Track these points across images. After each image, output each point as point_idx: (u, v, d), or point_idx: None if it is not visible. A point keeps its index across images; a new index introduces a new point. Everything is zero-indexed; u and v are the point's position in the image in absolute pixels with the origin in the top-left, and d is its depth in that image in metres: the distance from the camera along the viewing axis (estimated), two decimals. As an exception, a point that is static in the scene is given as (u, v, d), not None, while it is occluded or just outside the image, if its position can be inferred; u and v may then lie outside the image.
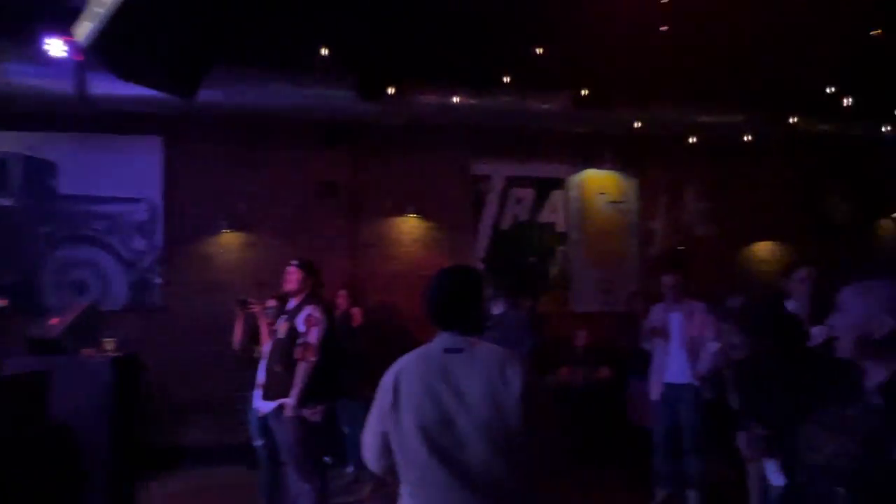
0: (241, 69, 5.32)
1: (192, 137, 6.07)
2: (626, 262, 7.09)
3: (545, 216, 6.93)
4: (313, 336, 3.45)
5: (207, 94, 4.29)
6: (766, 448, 2.00)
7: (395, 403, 1.68)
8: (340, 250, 6.33)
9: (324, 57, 5.02)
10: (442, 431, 1.61)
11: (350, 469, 5.26)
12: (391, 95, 5.61)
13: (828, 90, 5.92)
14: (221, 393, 5.43)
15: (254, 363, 3.92)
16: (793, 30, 4.96)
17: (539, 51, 5.25)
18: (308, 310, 3.52)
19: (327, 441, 4.45)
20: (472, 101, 5.94)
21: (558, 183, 6.99)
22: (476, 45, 5.16)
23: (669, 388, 4.39)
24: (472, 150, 6.76)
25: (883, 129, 6.86)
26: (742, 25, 4.93)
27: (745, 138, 6.64)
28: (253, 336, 4.35)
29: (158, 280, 5.98)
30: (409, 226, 6.64)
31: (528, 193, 6.90)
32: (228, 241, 6.19)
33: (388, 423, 1.68)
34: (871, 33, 5.04)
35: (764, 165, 7.22)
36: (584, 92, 5.93)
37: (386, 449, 1.71)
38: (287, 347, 3.47)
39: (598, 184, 7.11)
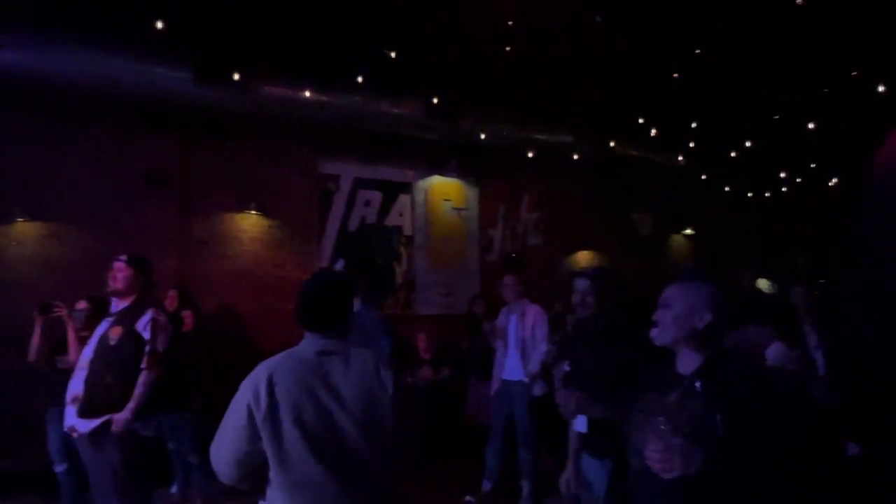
0: (55, 31, 4.56)
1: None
2: (467, 267, 7.41)
3: (392, 219, 6.97)
4: (161, 343, 3.07)
5: (10, 57, 3.61)
6: (580, 406, 2.24)
7: (272, 407, 1.65)
8: (169, 247, 5.71)
9: (159, 30, 4.49)
10: (324, 432, 1.65)
11: (174, 489, 4.76)
12: (235, 82, 5.22)
13: (640, 121, 6.79)
14: (16, 411, 4.60)
15: (62, 375, 3.37)
16: (616, 65, 5.62)
17: (393, 55, 5.28)
18: (150, 314, 3.12)
19: (154, 459, 3.99)
20: (323, 98, 5.76)
21: (406, 187, 7.08)
22: (331, 41, 5.03)
23: (505, 384, 4.71)
24: (321, 148, 6.56)
25: (679, 159, 8.05)
26: (577, 57, 5.46)
27: (574, 157, 7.34)
28: (57, 345, 3.76)
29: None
30: (249, 223, 6.23)
31: (375, 196, 6.88)
32: (23, 232, 5.26)
33: (264, 427, 1.64)
34: (674, 75, 5.91)
35: (586, 182, 8.04)
36: (435, 100, 6.08)
37: (248, 456, 1.67)
38: (123, 355, 3.03)
39: (443, 190, 7.35)
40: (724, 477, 1.42)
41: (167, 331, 3.20)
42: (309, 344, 1.80)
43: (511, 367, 4.69)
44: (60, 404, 3.17)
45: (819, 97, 6.28)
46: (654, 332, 1.67)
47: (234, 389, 1.78)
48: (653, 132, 7.02)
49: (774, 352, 2.56)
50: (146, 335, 3.09)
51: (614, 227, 8.54)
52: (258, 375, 1.73)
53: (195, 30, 4.83)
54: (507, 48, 5.29)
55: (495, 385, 4.78)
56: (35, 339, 3.81)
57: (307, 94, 5.62)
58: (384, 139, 6.64)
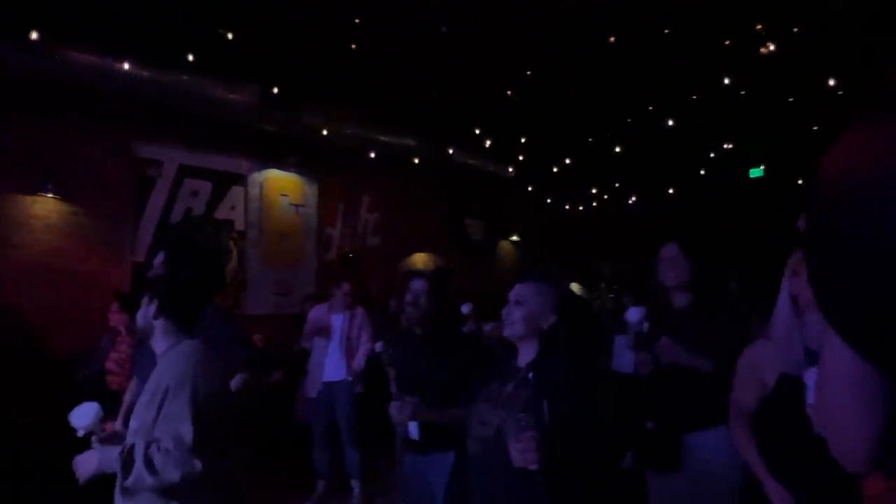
0: None
1: None
2: (303, 265, 7.17)
3: (223, 213, 6.50)
4: None
5: None
6: (412, 413, 2.28)
7: None
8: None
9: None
10: None
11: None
12: (33, 42, 4.47)
13: (476, 131, 7.18)
14: None
15: None
16: (459, 77, 5.88)
17: (230, 36, 4.94)
18: None
19: None
20: (145, 73, 5.18)
21: (239, 179, 6.65)
22: (161, 11, 4.54)
23: (326, 386, 4.61)
24: (141, 129, 5.88)
25: (509, 170, 8.66)
26: (423, 64, 5.60)
27: (414, 160, 7.51)
28: None
29: None
30: (44, 208, 5.36)
31: (204, 186, 6.36)
32: None
33: None
34: (509, 93, 6.35)
35: (424, 186, 8.28)
36: (275, 90, 5.81)
37: None
38: None
39: (281, 185, 7.04)
40: (551, 458, 1.55)
41: None
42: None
43: (332, 368, 4.61)
44: None
45: (623, 126, 7.20)
46: (504, 328, 1.76)
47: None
48: (487, 143, 7.46)
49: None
50: None
51: (449, 231, 8.91)
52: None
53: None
54: (354, 46, 5.25)
55: (312, 386, 4.69)
56: None
57: (126, 66, 5.00)
58: (217, 126, 6.16)
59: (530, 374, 1.72)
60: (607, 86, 6.14)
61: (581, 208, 10.33)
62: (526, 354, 1.78)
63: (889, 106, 0.50)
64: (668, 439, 2.05)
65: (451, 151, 7.68)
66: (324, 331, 4.64)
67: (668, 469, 2.03)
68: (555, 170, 8.43)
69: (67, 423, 1.84)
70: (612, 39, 5.29)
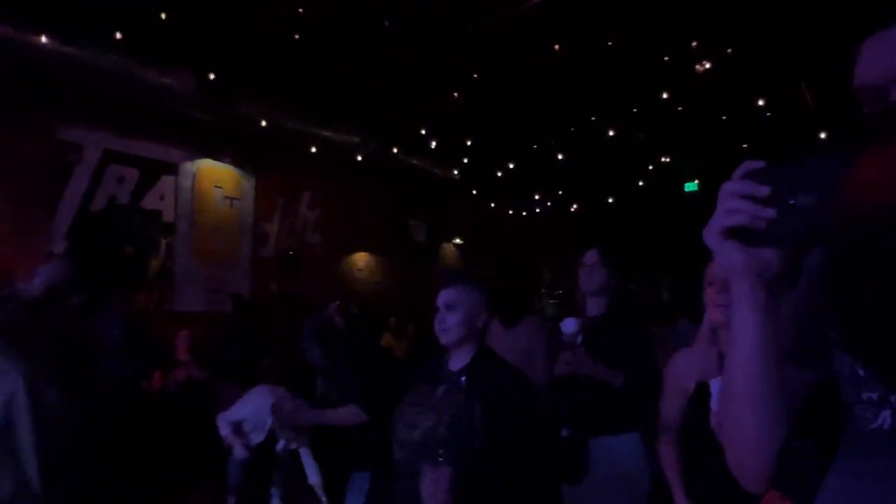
0: None
1: None
2: (237, 262, 6.90)
3: (151, 202, 6.16)
4: None
5: None
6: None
7: None
8: None
9: None
10: None
11: None
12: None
13: (422, 132, 7.12)
14: None
15: None
16: (405, 76, 5.80)
17: (163, 16, 4.68)
18: None
19: None
20: (66, 49, 4.84)
21: (170, 168, 6.33)
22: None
23: None
24: (61, 109, 5.49)
25: (455, 172, 8.65)
26: (369, 61, 5.49)
27: (357, 158, 7.37)
28: None
29: None
30: (-52, 190, 4.94)
31: (131, 173, 6.00)
32: None
33: None
34: (455, 95, 6.33)
35: (367, 185, 8.15)
36: (210, 76, 5.56)
37: None
38: None
39: (215, 176, 6.75)
40: (482, 463, 1.51)
41: None
42: None
43: None
44: None
45: (566, 134, 7.32)
46: (441, 336, 1.70)
47: None
48: (433, 144, 7.41)
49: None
50: None
51: (391, 232, 8.80)
52: None
53: None
54: (297, 36, 5.09)
55: None
56: None
57: (44, 40, 4.66)
58: (148, 111, 5.83)
59: (462, 378, 1.67)
60: (552, 93, 6.22)
61: (524, 213, 10.45)
62: (458, 358, 1.74)
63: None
64: (577, 446, 2.05)
65: (395, 151, 7.59)
66: None
67: (576, 479, 2.03)
68: (499, 174, 8.47)
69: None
70: (557, 48, 5.35)
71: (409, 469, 1.63)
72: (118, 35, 4.87)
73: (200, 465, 5.05)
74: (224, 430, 2.43)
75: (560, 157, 7.75)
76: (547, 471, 1.92)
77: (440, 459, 1.47)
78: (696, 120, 6.78)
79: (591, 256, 2.26)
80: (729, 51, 5.41)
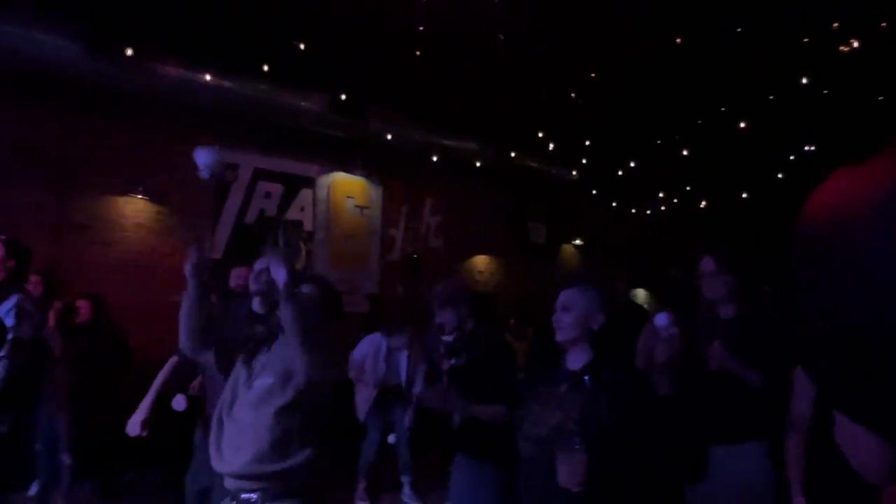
0: None
1: None
2: (367, 266, 7.42)
3: (293, 213, 6.84)
4: (26, 331, 2.84)
5: None
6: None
7: None
8: (40, 230, 5.23)
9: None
10: None
11: (33, 491, 4.37)
12: (128, 58, 4.90)
13: (539, 135, 7.16)
14: None
15: None
16: (522, 80, 5.90)
17: (301, 46, 5.20)
18: (15, 298, 2.88)
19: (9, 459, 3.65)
20: (224, 84, 5.55)
21: (308, 181, 6.97)
22: (237, 26, 4.87)
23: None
24: (219, 135, 6.24)
25: (573, 173, 8.57)
26: (485, 68, 5.67)
27: (476, 164, 7.59)
28: None
29: None
30: (134, 208, 5.85)
31: (276, 188, 6.72)
32: None
33: None
34: (573, 95, 6.31)
35: (486, 189, 8.34)
36: (342, 97, 6.06)
37: None
38: None
39: (347, 187, 7.31)
40: (611, 458, 1.57)
41: (34, 318, 2.98)
42: None
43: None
44: None
45: (694, 128, 6.97)
46: (557, 334, 1.80)
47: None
48: (550, 146, 7.43)
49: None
50: (9, 321, 2.86)
51: (511, 234, 8.92)
52: None
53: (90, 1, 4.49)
54: (418, 52, 5.40)
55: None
56: None
57: (207, 77, 5.38)
58: (288, 131, 6.50)
59: (586, 378, 1.74)
60: (675, 87, 5.98)
61: (648, 212, 10.04)
62: (576, 357, 1.80)
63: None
64: (697, 450, 2.02)
65: (512, 155, 7.70)
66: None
67: (696, 479, 2.00)
68: (619, 173, 8.26)
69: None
70: (679, 40, 5.15)
71: (539, 464, 1.69)
72: (265, 67, 5.49)
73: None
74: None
75: (685, 152, 7.40)
76: (671, 469, 1.92)
77: (576, 447, 1.54)
78: (843, 104, 6.16)
79: (707, 265, 2.22)
80: (883, 25, 4.87)
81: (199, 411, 2.86)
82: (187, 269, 2.01)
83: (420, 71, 5.65)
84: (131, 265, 5.76)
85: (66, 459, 4.15)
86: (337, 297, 2.21)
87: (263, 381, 1.94)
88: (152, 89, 5.38)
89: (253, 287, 2.42)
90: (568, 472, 1.52)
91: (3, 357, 2.82)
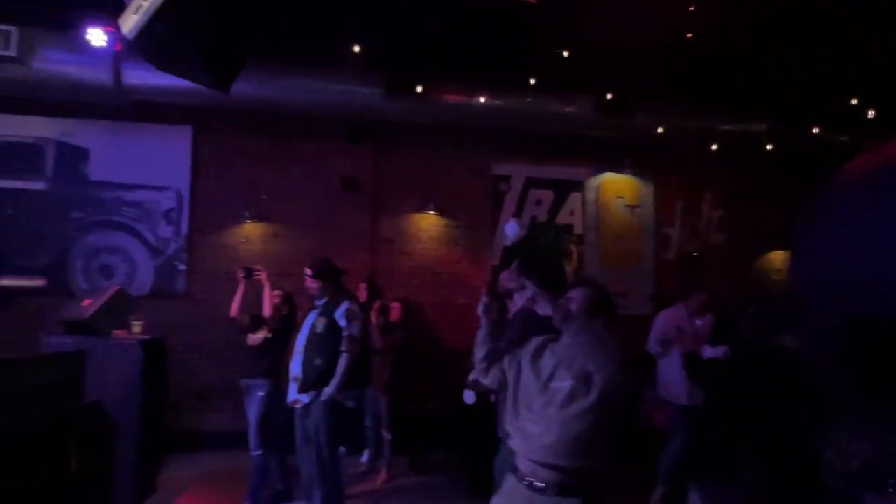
0: (272, 64, 5.43)
1: (220, 128, 6.19)
2: (641, 266, 7.15)
3: (563, 217, 7.01)
4: (355, 329, 3.61)
5: (238, 87, 4.38)
6: None
7: None
8: (361, 244, 6.43)
9: (354, 54, 5.12)
10: None
11: (364, 459, 5.37)
12: (418, 94, 5.70)
13: (853, 101, 5.94)
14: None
15: (248, 352, 4.31)
16: (819, 39, 5.00)
17: (565, 54, 5.33)
18: (346, 305, 3.66)
19: (350, 429, 4.58)
20: (497, 103, 6.02)
21: (577, 185, 7.06)
22: (503, 46, 5.24)
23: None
24: (494, 150, 6.84)
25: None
26: (765, 32, 4.98)
27: (766, 147, 6.67)
28: (253, 320, 4.42)
29: (183, 267, 6.10)
30: (428, 222, 6.74)
31: (546, 195, 6.98)
32: (251, 232, 6.30)
33: None
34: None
35: (780, 175, 7.23)
36: (608, 97, 5.99)
37: None
38: (326, 341, 3.62)
39: (616, 187, 7.18)
40: None
41: (360, 318, 3.72)
42: None
43: None
44: (247, 376, 4.23)
45: None
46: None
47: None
48: (870, 114, 6.10)
49: None
50: (342, 323, 3.60)
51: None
52: None
53: (383, 51, 5.38)
54: (688, 35, 5.03)
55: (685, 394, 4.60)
56: (237, 298, 4.52)
57: (482, 99, 5.92)
58: (555, 138, 6.73)
59: None
60: None
61: None
62: None
63: None
64: None
65: (815, 131, 6.54)
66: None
67: None
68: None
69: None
70: None
71: (844, 498, 1.49)
72: (531, 80, 5.78)
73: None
74: None
75: None
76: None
77: (890, 490, 1.33)
78: None
79: None
80: None
81: (488, 403, 3.17)
82: (480, 308, 2.23)
83: (689, 55, 5.24)
84: (427, 271, 6.65)
85: (387, 435, 5.03)
86: (607, 298, 2.19)
87: (561, 385, 1.92)
88: (437, 118, 6.16)
89: (509, 285, 2.57)
90: None
91: (343, 351, 3.57)
